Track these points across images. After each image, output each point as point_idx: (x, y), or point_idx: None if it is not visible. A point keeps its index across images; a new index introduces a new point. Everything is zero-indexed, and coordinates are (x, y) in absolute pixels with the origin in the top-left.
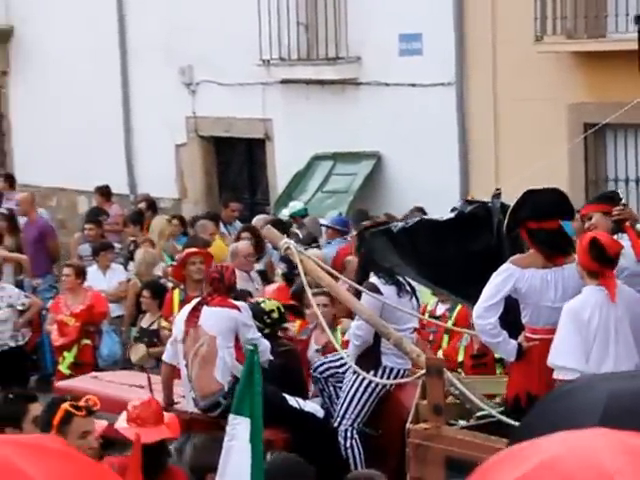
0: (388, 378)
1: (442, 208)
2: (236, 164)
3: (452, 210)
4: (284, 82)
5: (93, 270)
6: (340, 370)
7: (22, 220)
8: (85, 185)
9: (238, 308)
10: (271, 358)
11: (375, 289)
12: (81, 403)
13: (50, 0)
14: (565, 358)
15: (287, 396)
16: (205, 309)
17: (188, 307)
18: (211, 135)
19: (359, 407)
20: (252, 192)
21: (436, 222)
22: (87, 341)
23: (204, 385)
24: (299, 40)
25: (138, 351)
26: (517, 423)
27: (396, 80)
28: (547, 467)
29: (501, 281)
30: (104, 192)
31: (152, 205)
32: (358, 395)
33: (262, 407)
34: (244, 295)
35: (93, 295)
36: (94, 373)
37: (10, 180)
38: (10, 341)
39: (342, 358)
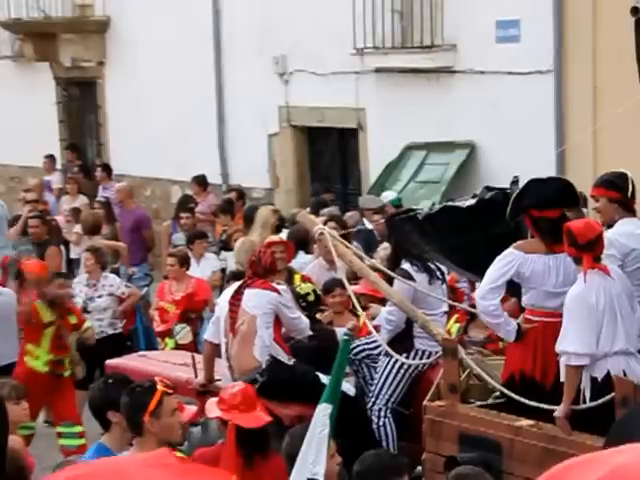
0: (420, 360)
1: None
2: (328, 154)
3: (473, 196)
4: (378, 71)
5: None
6: (374, 352)
7: (117, 209)
8: (178, 175)
9: (277, 290)
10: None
11: (407, 276)
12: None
13: None
14: (576, 344)
15: (320, 375)
16: (246, 291)
17: (232, 288)
18: (304, 125)
19: (392, 387)
20: (344, 182)
21: (458, 208)
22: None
23: (243, 362)
24: (393, 28)
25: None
26: (526, 400)
27: (492, 68)
28: (619, 475)
29: (504, 265)
30: (200, 182)
31: (242, 195)
32: (391, 376)
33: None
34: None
35: (196, 282)
36: (142, 352)
37: (107, 170)
38: (109, 328)
39: (376, 340)
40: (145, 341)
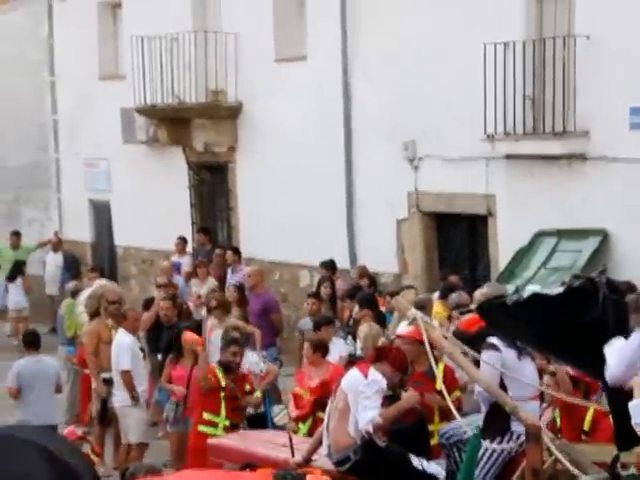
0: (515, 442)
1: None
2: (457, 240)
3: (562, 284)
4: (508, 157)
5: None
6: (464, 437)
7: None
8: (307, 259)
9: (366, 375)
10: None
11: (495, 348)
12: None
13: (278, 76)
14: None
15: (412, 456)
16: (352, 369)
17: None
18: (433, 210)
19: (484, 472)
20: (473, 268)
21: (547, 296)
22: (322, 414)
23: (338, 439)
24: (525, 114)
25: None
26: None
27: (626, 155)
28: None
29: (637, 347)
30: (328, 266)
31: (373, 282)
32: (484, 460)
33: None
34: None
35: (334, 369)
36: (242, 431)
37: (237, 253)
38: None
39: (468, 424)
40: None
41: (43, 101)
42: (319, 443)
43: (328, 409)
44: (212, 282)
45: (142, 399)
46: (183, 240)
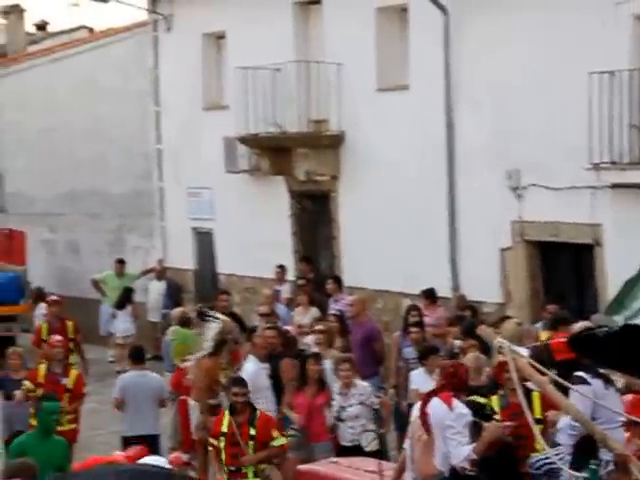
0: (604, 470)
1: None
2: (562, 269)
3: None
4: (614, 186)
5: (419, 373)
6: (554, 465)
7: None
8: (409, 287)
9: (450, 406)
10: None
11: (583, 381)
12: None
13: (380, 105)
14: None
15: None
16: (433, 399)
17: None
18: (537, 240)
19: None
20: (579, 298)
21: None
22: None
23: (424, 469)
24: (631, 143)
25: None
26: None
27: None
28: None
29: None
30: (429, 295)
31: (475, 312)
32: None
33: None
34: None
35: None
36: (334, 458)
37: (338, 282)
38: (361, 437)
39: (557, 454)
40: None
41: (147, 130)
42: (402, 470)
43: (410, 438)
44: (315, 311)
45: None
46: (282, 268)
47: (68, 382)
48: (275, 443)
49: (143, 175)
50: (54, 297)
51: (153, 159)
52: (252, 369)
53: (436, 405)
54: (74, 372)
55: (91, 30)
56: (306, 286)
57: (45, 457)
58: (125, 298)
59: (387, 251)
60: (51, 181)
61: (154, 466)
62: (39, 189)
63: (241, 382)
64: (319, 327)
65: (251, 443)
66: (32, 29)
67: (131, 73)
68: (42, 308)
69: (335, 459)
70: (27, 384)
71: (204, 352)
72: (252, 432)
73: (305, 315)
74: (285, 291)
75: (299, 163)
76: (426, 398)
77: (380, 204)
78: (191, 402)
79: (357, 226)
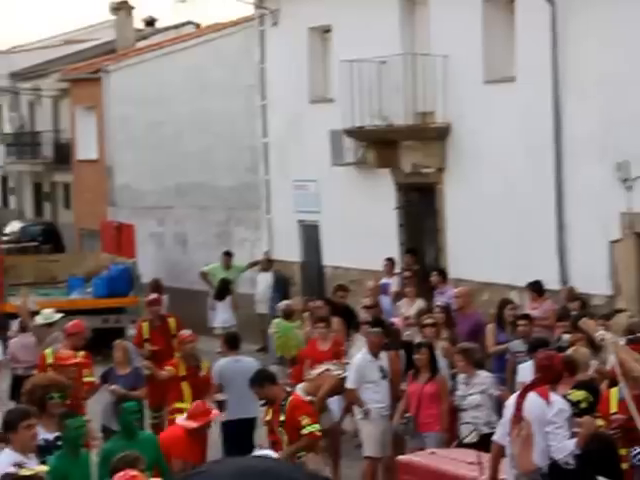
0: None
1: None
2: None
3: None
4: None
5: (527, 366)
6: None
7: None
8: (516, 280)
9: (547, 400)
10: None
11: None
12: None
13: (487, 97)
14: None
15: (600, 478)
16: (529, 394)
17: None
18: None
19: None
20: None
21: None
22: None
23: (524, 464)
24: None
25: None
26: None
27: None
28: None
29: None
30: (535, 288)
31: (584, 305)
32: None
33: None
34: None
35: None
36: (432, 449)
37: (442, 275)
38: (484, 427)
39: None
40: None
41: (254, 124)
42: (498, 462)
43: (508, 434)
44: (421, 303)
45: (379, 414)
46: (391, 261)
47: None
48: (304, 430)
49: (250, 168)
50: (154, 296)
51: (260, 152)
52: (360, 360)
53: (533, 400)
54: (205, 364)
55: (198, 25)
56: (412, 278)
57: None
58: (224, 289)
59: (494, 243)
60: (159, 175)
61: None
62: (148, 183)
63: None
64: (428, 320)
65: (280, 429)
66: (140, 25)
67: (238, 67)
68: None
69: (434, 450)
70: (168, 369)
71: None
72: (282, 418)
73: (411, 307)
74: (394, 284)
75: (405, 155)
76: (522, 393)
77: (486, 196)
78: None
79: (463, 218)
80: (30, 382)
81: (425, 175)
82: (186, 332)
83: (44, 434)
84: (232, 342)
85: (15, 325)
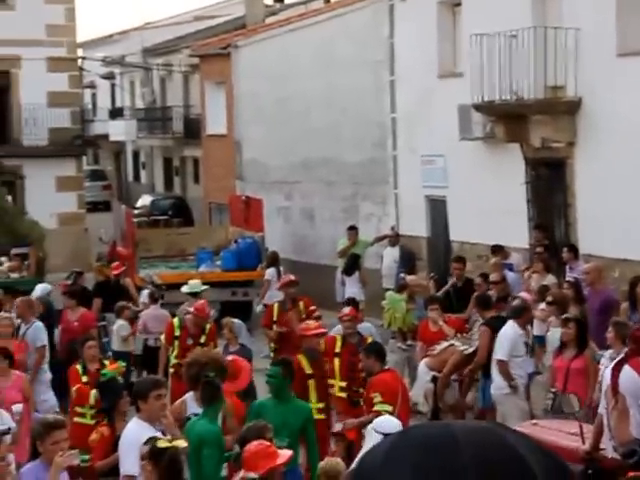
0: None
1: None
2: None
3: None
4: None
5: None
6: None
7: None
8: None
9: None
10: None
11: None
12: None
13: (620, 71)
14: None
15: None
16: (624, 367)
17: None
18: None
19: None
20: None
21: None
22: None
23: (620, 436)
24: None
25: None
26: None
27: None
28: None
29: None
30: None
31: None
32: None
33: None
34: None
35: None
36: (534, 420)
37: (574, 250)
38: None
39: None
40: None
41: (383, 99)
42: (600, 433)
43: (605, 407)
44: (551, 278)
45: (520, 387)
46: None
47: None
48: (375, 407)
49: (377, 143)
50: (290, 277)
51: (387, 128)
52: (511, 334)
53: (627, 373)
54: None
55: (327, 0)
56: (542, 253)
57: (280, 421)
58: (353, 264)
59: (626, 219)
60: (287, 150)
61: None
62: (275, 157)
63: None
64: (549, 298)
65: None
66: (270, 1)
67: (367, 42)
68: (271, 274)
69: (536, 421)
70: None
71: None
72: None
73: (541, 282)
74: (518, 259)
75: (535, 130)
76: (617, 366)
77: (618, 171)
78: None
79: (594, 193)
80: (191, 356)
81: (555, 150)
82: (346, 310)
83: (195, 408)
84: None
85: (144, 296)
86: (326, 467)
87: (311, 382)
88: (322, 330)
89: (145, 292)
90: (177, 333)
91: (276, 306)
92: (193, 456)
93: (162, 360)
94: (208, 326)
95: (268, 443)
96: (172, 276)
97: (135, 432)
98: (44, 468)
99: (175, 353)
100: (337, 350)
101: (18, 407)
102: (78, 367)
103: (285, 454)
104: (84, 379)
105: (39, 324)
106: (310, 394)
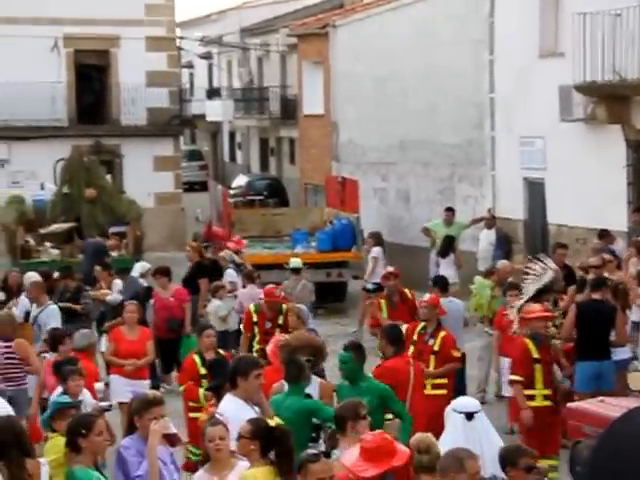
0: None
1: None
2: None
3: None
4: None
5: None
6: None
7: None
8: None
9: None
10: None
11: None
12: None
13: None
14: None
15: None
16: None
17: None
18: None
19: None
20: None
21: None
22: None
23: None
24: None
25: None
26: None
27: None
28: None
29: None
30: None
31: None
32: None
33: None
34: None
35: None
36: (601, 397)
37: None
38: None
39: None
40: None
41: (481, 79)
42: None
43: None
44: None
45: None
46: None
47: (435, 344)
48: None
49: (475, 124)
50: (390, 269)
51: (485, 108)
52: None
53: None
54: (442, 334)
55: None
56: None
57: None
58: (448, 246)
59: None
60: (383, 130)
61: None
62: (371, 138)
63: None
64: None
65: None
66: None
67: (466, 21)
68: (377, 252)
69: (602, 397)
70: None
71: (525, 297)
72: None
73: (638, 267)
74: (621, 243)
75: (637, 111)
76: None
77: None
78: None
79: None
80: (288, 339)
81: None
82: (427, 296)
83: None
84: (442, 285)
85: (228, 276)
86: (417, 440)
87: (537, 366)
88: (547, 313)
89: (229, 271)
90: (255, 319)
91: (382, 303)
92: None
93: (243, 349)
94: (284, 307)
95: (391, 438)
96: (264, 257)
97: (232, 409)
98: (143, 442)
99: (257, 339)
100: (415, 338)
101: (100, 385)
102: (195, 357)
103: (403, 455)
104: (202, 371)
105: (53, 307)
106: (536, 380)
